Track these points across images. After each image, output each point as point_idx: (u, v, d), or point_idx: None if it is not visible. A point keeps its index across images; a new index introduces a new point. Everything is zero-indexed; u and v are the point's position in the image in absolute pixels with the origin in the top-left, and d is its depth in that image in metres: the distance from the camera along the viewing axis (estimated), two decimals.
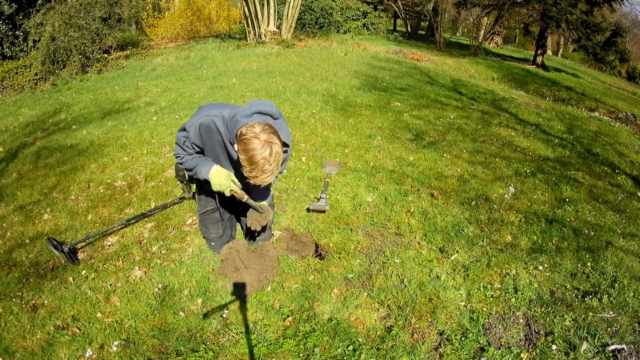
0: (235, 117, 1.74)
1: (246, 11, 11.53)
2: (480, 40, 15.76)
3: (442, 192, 3.25)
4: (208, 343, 1.94)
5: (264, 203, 2.14)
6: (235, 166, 1.95)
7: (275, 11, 11.88)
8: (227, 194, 1.93)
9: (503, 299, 2.16)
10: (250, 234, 2.50)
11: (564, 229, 2.83)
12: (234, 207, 2.46)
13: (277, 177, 2.19)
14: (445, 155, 3.99)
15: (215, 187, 1.91)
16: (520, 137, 4.76)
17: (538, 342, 1.90)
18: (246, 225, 2.52)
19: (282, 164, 2.01)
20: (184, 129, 1.90)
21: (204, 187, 2.22)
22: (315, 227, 2.76)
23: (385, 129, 4.66)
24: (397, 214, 2.92)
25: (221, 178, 1.89)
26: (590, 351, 1.83)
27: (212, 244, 2.48)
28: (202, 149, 1.93)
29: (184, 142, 1.91)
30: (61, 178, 3.60)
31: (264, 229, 2.33)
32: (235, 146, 1.71)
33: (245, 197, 1.99)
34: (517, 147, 4.39)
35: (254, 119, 1.69)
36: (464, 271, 2.37)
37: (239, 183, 1.95)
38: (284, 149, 1.87)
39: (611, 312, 2.06)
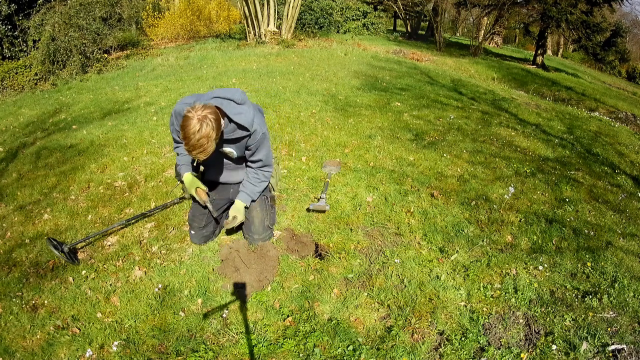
0: (197, 102, 1.90)
1: (246, 11, 11.53)
2: (480, 40, 15.76)
3: (442, 192, 3.25)
4: (208, 343, 1.94)
5: (238, 205, 2.32)
6: None
7: (275, 11, 11.87)
8: (194, 195, 2.28)
9: (503, 299, 2.16)
10: (250, 234, 2.50)
11: (564, 229, 2.83)
12: (228, 203, 2.56)
13: (267, 171, 2.36)
14: (445, 155, 3.99)
15: (187, 191, 2.30)
16: (521, 137, 4.76)
17: (538, 342, 1.90)
18: (244, 226, 2.54)
19: (256, 148, 2.19)
20: (172, 115, 2.16)
21: (203, 178, 2.45)
22: (315, 227, 2.76)
23: (385, 129, 4.66)
24: (397, 214, 2.92)
25: (187, 183, 2.26)
26: (590, 351, 1.83)
27: (192, 232, 2.54)
28: None
29: (171, 127, 2.19)
30: (61, 178, 3.60)
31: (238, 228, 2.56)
32: None
33: (204, 200, 2.29)
34: (517, 147, 4.39)
35: (210, 103, 1.89)
36: (464, 271, 2.37)
37: (205, 187, 2.29)
38: (246, 133, 2.06)
39: (611, 312, 2.06)
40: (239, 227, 2.57)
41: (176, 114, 2.09)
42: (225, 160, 2.34)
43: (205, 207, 2.34)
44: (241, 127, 2.02)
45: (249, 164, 2.30)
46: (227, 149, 2.17)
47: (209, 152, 1.88)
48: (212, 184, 2.46)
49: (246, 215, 2.48)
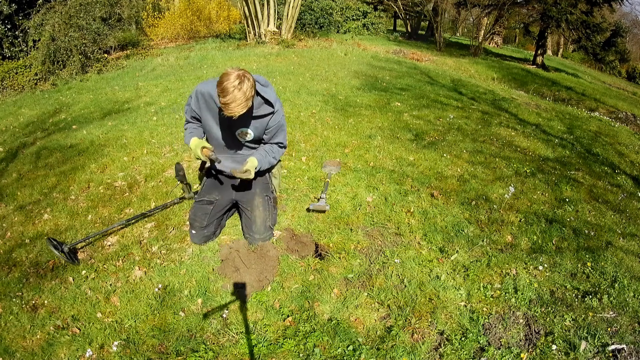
0: None
1: (246, 11, 11.53)
2: (480, 40, 15.76)
3: (442, 192, 3.25)
4: (208, 343, 1.94)
5: (253, 162, 2.26)
6: (223, 127, 2.23)
7: (275, 11, 11.87)
8: (200, 156, 2.20)
9: (503, 299, 2.16)
10: (251, 234, 2.50)
11: (564, 229, 2.83)
12: (230, 204, 2.58)
13: (275, 156, 2.36)
14: (445, 155, 3.99)
15: (194, 153, 2.23)
16: (520, 137, 4.76)
17: (538, 342, 1.90)
18: (245, 226, 2.54)
19: (276, 129, 2.25)
20: (190, 96, 2.23)
21: (211, 176, 2.49)
22: (315, 227, 2.76)
23: (385, 129, 4.66)
24: (397, 214, 2.92)
25: (194, 145, 2.21)
26: (590, 351, 1.84)
27: (193, 232, 2.55)
28: (199, 114, 2.24)
29: (186, 107, 2.28)
30: (61, 178, 3.60)
31: (250, 186, 2.50)
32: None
33: (209, 155, 2.21)
34: (517, 147, 4.39)
35: None
36: (464, 271, 2.37)
37: (210, 145, 2.24)
38: (270, 110, 2.15)
39: (611, 312, 2.06)
40: (241, 186, 2.50)
41: (198, 93, 2.15)
42: (235, 151, 2.34)
43: (213, 163, 2.32)
44: (267, 102, 2.10)
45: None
46: (246, 129, 2.21)
47: (242, 110, 1.91)
48: (218, 178, 2.48)
49: (248, 215, 2.49)
